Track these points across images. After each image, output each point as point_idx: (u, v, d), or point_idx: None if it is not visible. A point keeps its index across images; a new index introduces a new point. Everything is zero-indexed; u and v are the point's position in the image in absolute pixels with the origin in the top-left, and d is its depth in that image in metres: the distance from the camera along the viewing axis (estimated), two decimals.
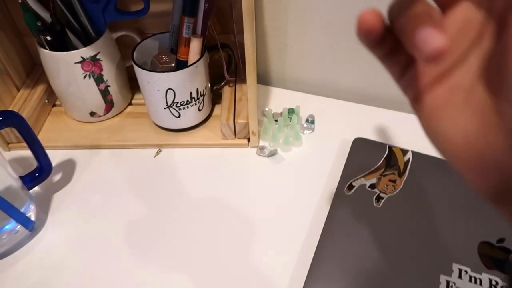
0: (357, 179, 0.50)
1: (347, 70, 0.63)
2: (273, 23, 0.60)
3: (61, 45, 0.52)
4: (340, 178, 0.50)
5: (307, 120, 0.59)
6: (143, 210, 0.48)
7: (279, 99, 0.63)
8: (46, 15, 0.50)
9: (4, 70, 0.56)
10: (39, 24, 0.49)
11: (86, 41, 0.53)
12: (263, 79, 0.68)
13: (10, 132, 0.55)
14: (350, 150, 0.53)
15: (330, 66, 0.63)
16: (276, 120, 0.58)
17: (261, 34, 0.62)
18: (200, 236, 0.46)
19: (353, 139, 0.54)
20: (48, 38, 0.50)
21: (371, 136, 0.56)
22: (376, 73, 0.61)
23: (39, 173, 0.47)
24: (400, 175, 0.50)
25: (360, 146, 0.53)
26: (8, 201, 0.42)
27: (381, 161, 0.51)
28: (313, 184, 0.51)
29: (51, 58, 0.52)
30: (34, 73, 0.62)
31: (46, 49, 0.51)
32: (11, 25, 0.58)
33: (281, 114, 0.59)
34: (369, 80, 0.63)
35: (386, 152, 0.52)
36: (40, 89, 0.60)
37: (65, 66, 0.52)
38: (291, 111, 0.59)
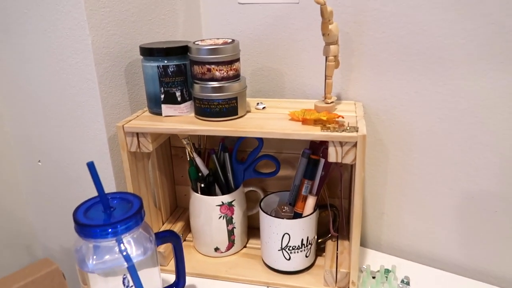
0: None
1: (444, 240, 0.69)
2: (372, 193, 0.72)
3: (208, 191, 0.68)
4: None
5: (402, 281, 0.64)
6: None
7: (375, 260, 0.70)
8: (204, 169, 0.68)
9: (158, 206, 0.73)
10: (200, 174, 0.67)
11: (225, 190, 0.69)
12: (360, 241, 0.75)
13: None
14: None
15: (425, 237, 0.71)
16: (373, 277, 0.64)
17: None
18: None
19: None
20: (202, 185, 0.67)
21: None
22: (474, 245, 0.66)
23: (176, 286, 0.58)
24: None
25: None
26: None
27: None
28: None
29: (199, 200, 0.68)
30: (176, 213, 0.79)
31: (198, 193, 0.68)
32: (171, 176, 0.78)
33: (378, 271, 0.65)
34: (465, 252, 0.68)
35: None
36: (178, 225, 0.75)
37: (207, 207, 0.67)
38: (387, 271, 0.65)
